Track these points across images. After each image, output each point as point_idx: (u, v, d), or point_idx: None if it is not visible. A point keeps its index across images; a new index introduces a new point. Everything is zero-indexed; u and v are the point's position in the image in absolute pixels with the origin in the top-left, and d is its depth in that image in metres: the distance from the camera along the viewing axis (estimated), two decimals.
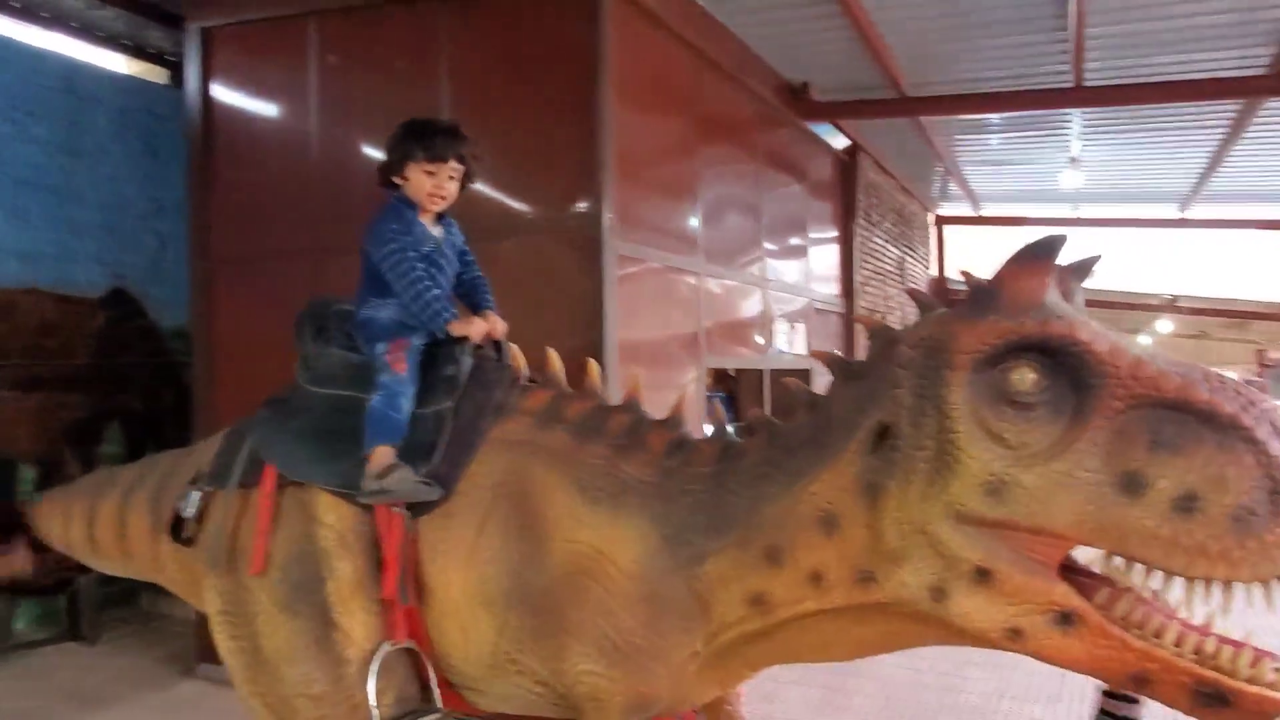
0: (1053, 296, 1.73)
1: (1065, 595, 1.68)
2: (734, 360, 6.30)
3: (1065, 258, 1.78)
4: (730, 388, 7.53)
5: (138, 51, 6.86)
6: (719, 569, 2.06)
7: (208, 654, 5.25)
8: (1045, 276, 1.71)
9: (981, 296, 1.76)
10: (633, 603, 2.11)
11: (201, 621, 5.12)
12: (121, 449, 6.84)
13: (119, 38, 6.65)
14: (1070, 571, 1.75)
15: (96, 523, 3.24)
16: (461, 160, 2.62)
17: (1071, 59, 6.21)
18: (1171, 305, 19.16)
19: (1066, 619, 1.68)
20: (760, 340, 6.60)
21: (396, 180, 2.63)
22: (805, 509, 1.94)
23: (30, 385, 6.27)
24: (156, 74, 7.12)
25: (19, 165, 6.18)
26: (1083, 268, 1.87)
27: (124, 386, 6.87)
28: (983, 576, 1.71)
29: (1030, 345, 1.68)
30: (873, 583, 1.86)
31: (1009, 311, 1.70)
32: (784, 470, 2.02)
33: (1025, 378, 1.66)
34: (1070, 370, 1.67)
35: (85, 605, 5.95)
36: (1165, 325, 22.35)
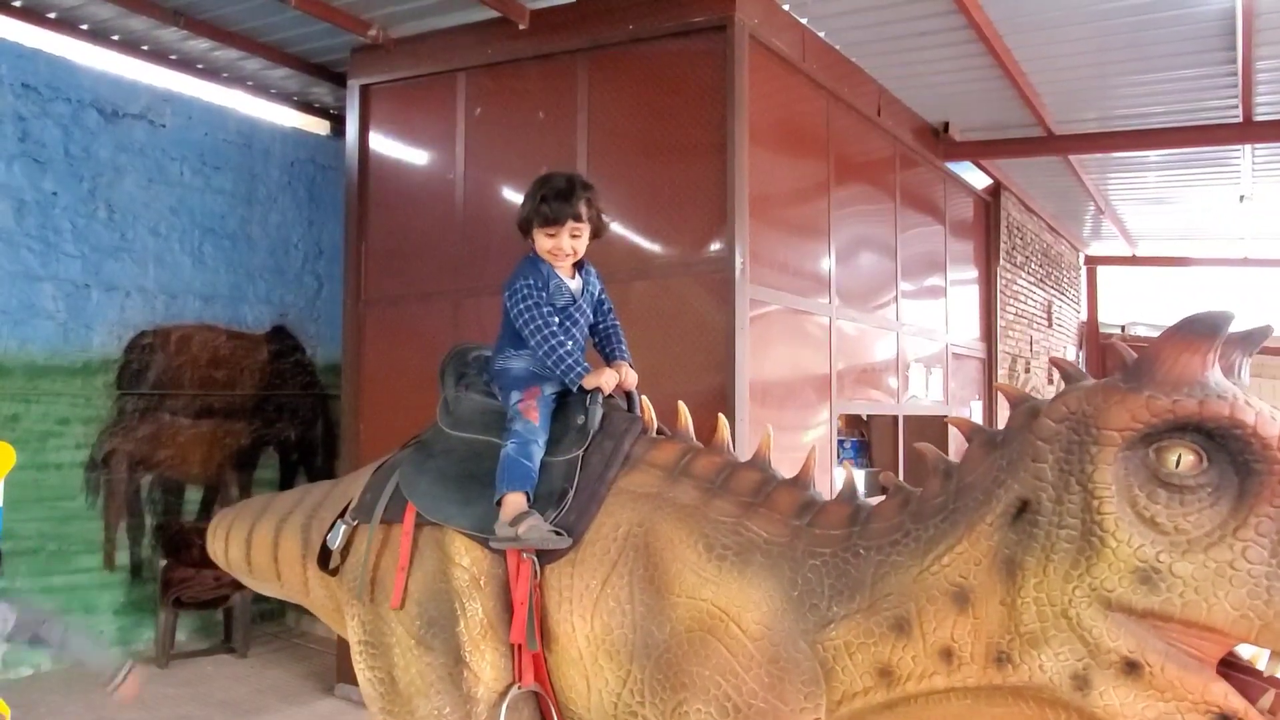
0: (1214, 374, 1.62)
1: (1224, 695, 1.57)
2: (866, 405, 6.16)
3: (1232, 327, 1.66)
4: (863, 433, 7.35)
5: (304, 106, 7.43)
6: (845, 636, 2.02)
7: (346, 674, 5.50)
8: (1207, 353, 1.60)
9: (1135, 370, 1.67)
10: (755, 665, 2.08)
11: (341, 643, 5.41)
12: (276, 475, 7.32)
13: (289, 94, 7.22)
14: (1231, 669, 1.63)
15: (253, 546, 3.40)
16: (579, 218, 2.65)
17: (1240, 92, 5.83)
18: None
19: None
20: (894, 385, 6.43)
21: (529, 238, 2.72)
22: (936, 580, 1.88)
23: (201, 414, 6.80)
24: (319, 126, 7.67)
25: (205, 215, 6.82)
26: (1250, 339, 1.73)
27: (281, 416, 7.36)
28: (1132, 668, 1.61)
29: (1187, 425, 1.58)
30: (1008, 664, 1.77)
31: (1164, 388, 1.60)
32: (915, 538, 1.96)
33: (1182, 459, 1.56)
34: (1232, 453, 1.56)
35: (239, 620, 6.35)
36: None
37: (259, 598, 5.48)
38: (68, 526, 6.08)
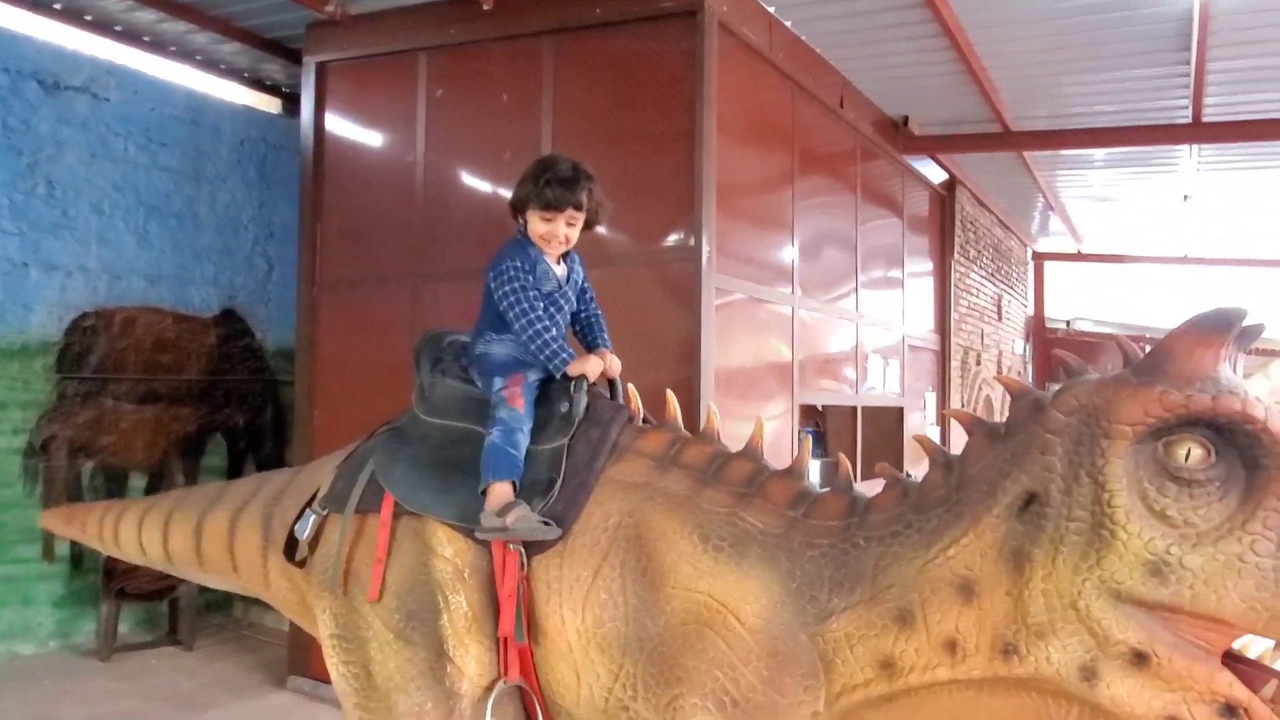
0: (1225, 369, 1.65)
1: (1230, 685, 1.60)
2: (826, 396, 6.21)
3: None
4: (818, 423, 7.41)
5: (255, 83, 7.19)
6: (846, 628, 2.00)
7: (298, 666, 5.38)
8: (1220, 348, 1.63)
9: (1147, 364, 1.68)
10: (753, 658, 2.06)
11: (294, 634, 5.28)
12: (224, 462, 7.11)
13: (240, 71, 6.99)
14: (1233, 660, 1.66)
15: (204, 536, 3.22)
16: (579, 207, 2.61)
17: (1191, 94, 5.99)
18: None
19: (1231, 711, 1.60)
20: (852, 376, 6.49)
21: (520, 219, 2.66)
22: (941, 571, 1.88)
23: (145, 399, 6.57)
24: (270, 104, 7.44)
25: (150, 192, 6.56)
26: (1248, 335, 1.75)
27: (229, 402, 7.14)
28: (1140, 659, 1.63)
29: (1198, 420, 1.60)
30: (1014, 655, 1.78)
31: (1177, 382, 1.62)
32: (918, 530, 1.96)
33: (1191, 453, 1.59)
34: (1240, 447, 1.59)
35: (184, 611, 6.16)
36: None
37: (205, 587, 5.32)
38: (4, 515, 5.84)
